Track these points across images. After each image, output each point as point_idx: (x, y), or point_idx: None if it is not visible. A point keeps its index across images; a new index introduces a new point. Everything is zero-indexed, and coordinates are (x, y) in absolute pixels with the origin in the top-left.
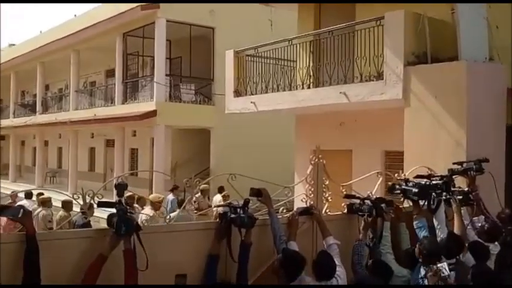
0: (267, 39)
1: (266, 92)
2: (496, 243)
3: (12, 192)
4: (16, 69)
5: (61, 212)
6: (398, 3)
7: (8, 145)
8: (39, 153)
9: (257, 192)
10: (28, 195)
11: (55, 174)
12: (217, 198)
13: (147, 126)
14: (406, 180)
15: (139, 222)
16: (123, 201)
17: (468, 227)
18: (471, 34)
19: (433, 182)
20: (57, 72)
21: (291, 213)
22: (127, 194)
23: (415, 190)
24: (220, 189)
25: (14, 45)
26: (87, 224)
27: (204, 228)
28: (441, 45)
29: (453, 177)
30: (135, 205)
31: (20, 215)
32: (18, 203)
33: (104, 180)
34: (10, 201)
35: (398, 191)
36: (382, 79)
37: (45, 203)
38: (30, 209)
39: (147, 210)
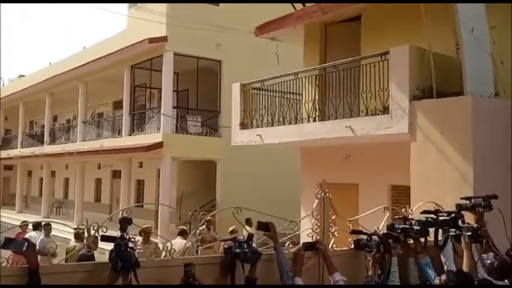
0: (273, 72)
1: (272, 125)
2: (506, 280)
3: (23, 222)
4: (25, 100)
5: (73, 243)
6: (404, 36)
7: (16, 175)
8: (46, 183)
9: (265, 227)
10: (36, 226)
11: (61, 204)
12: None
13: (153, 157)
14: (406, 219)
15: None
16: (125, 236)
17: (478, 264)
18: (476, 69)
19: (440, 218)
20: (65, 103)
21: (296, 248)
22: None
23: (416, 228)
24: (248, 221)
25: (23, 76)
26: (91, 257)
27: (209, 262)
28: (446, 80)
29: (461, 213)
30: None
31: (24, 249)
32: (27, 235)
33: (109, 211)
34: (20, 231)
35: (399, 230)
36: (388, 113)
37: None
38: (38, 241)
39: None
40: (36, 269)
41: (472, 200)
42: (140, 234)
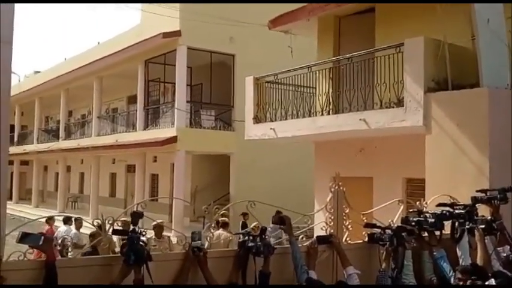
0: (286, 65)
1: (286, 119)
2: None
3: (49, 217)
4: (41, 96)
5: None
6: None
7: (32, 170)
8: (61, 178)
9: (280, 220)
10: (65, 220)
11: (77, 199)
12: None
13: (167, 152)
14: (420, 212)
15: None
16: (137, 229)
17: (492, 257)
18: (492, 60)
19: (456, 211)
20: (80, 99)
21: (310, 241)
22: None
23: (430, 220)
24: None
25: (39, 72)
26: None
27: (223, 256)
28: (462, 72)
29: (476, 205)
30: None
31: (40, 243)
32: (59, 230)
33: (124, 206)
34: (47, 227)
35: (413, 223)
36: (403, 106)
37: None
38: (72, 235)
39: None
40: (53, 262)
41: (488, 193)
42: (154, 230)
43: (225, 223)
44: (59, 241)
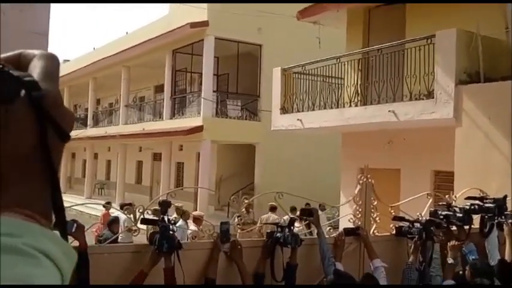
0: (314, 56)
1: (313, 110)
2: None
3: (108, 202)
4: (69, 84)
5: (193, 227)
6: (451, 19)
7: None
8: (89, 165)
9: (308, 213)
10: (122, 206)
11: (103, 186)
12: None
13: (193, 140)
14: (449, 205)
15: (187, 237)
16: (166, 218)
17: None
18: None
19: (485, 205)
20: (108, 88)
21: (337, 233)
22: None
23: (459, 215)
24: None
25: (68, 61)
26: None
27: (251, 246)
28: (494, 64)
29: (506, 200)
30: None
31: (73, 230)
32: (117, 214)
33: (150, 193)
34: (105, 211)
35: (441, 217)
36: (433, 98)
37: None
38: (123, 220)
39: (192, 227)
40: (85, 249)
41: None
42: (181, 216)
43: (274, 207)
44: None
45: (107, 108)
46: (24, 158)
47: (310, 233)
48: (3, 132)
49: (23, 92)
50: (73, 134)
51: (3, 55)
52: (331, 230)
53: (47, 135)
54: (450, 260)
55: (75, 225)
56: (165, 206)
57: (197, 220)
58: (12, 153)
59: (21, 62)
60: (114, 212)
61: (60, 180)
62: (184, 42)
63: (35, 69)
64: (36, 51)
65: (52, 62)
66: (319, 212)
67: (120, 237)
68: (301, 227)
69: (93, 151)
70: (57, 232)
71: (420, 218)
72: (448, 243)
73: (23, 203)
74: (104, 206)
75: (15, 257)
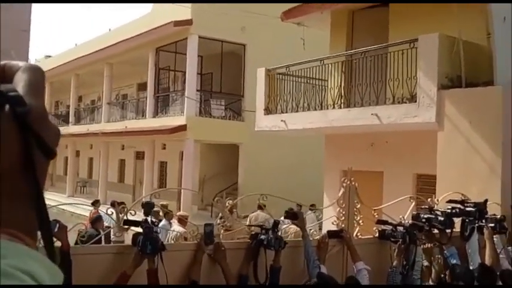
0: (298, 57)
1: (297, 111)
2: None
3: (96, 201)
4: (51, 80)
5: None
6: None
7: None
8: (70, 163)
9: (293, 215)
10: (112, 204)
11: (85, 184)
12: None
13: (176, 140)
14: (431, 209)
15: (170, 238)
16: (149, 220)
17: (501, 256)
18: (507, 59)
19: (466, 209)
20: (90, 84)
21: (321, 235)
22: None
23: (440, 218)
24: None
25: (50, 56)
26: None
27: (235, 247)
28: (476, 69)
29: (486, 204)
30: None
31: (55, 230)
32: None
33: (133, 192)
34: (94, 210)
35: (424, 220)
36: (415, 102)
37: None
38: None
39: (176, 227)
40: (68, 250)
41: None
42: (165, 216)
43: (261, 205)
44: (105, 224)
45: (89, 105)
46: (8, 175)
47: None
48: None
49: (7, 106)
50: None
51: None
52: (315, 232)
53: (32, 151)
54: (425, 263)
55: (57, 225)
56: (148, 207)
57: (182, 220)
58: None
59: (6, 73)
60: (103, 210)
61: None
62: (168, 41)
63: (20, 83)
64: (20, 63)
65: (37, 75)
66: (309, 212)
67: (112, 236)
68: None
69: (75, 149)
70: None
71: (403, 221)
72: (422, 245)
73: (7, 222)
74: (92, 204)
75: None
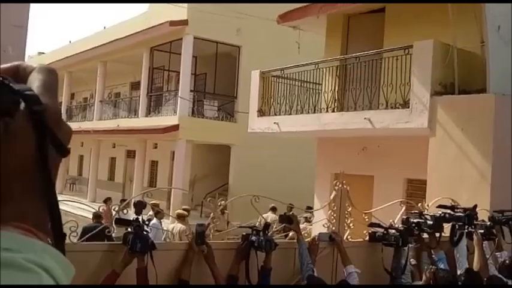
0: (292, 60)
1: (290, 114)
2: None
3: (108, 198)
4: None
5: (178, 224)
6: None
7: None
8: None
9: (287, 219)
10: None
11: (75, 181)
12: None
13: (168, 139)
14: (421, 213)
15: (175, 234)
16: (140, 219)
17: (489, 262)
18: (500, 67)
19: (456, 214)
20: (83, 82)
21: (311, 238)
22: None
23: (429, 222)
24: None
25: (43, 53)
26: (110, 238)
27: (225, 248)
28: (469, 77)
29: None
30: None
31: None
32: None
33: (123, 190)
34: (105, 207)
35: (413, 224)
36: (408, 107)
37: (182, 217)
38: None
39: (177, 224)
40: None
41: (505, 213)
42: (155, 215)
43: (274, 208)
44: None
45: (81, 103)
46: (23, 172)
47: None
48: (2, 145)
49: (23, 105)
50: None
51: (1, 66)
52: (305, 235)
53: (46, 149)
54: (413, 262)
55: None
56: (140, 206)
57: (181, 218)
58: (10, 166)
59: (20, 74)
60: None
61: None
62: (163, 40)
63: (35, 83)
64: (34, 65)
65: (51, 76)
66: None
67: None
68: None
69: None
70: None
71: (393, 225)
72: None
73: (20, 217)
74: (104, 202)
75: (16, 272)
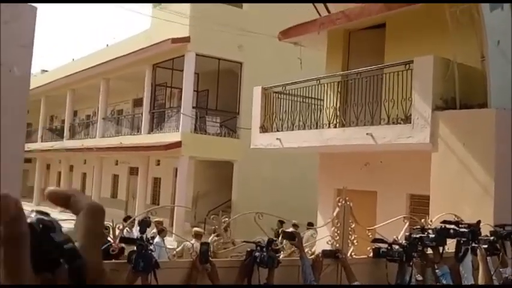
0: (294, 76)
1: (292, 130)
2: None
3: (127, 216)
4: (47, 95)
5: (197, 243)
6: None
7: (34, 168)
8: (63, 177)
9: (290, 236)
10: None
11: None
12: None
13: (171, 156)
14: (423, 228)
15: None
16: (144, 237)
17: (493, 278)
18: (501, 82)
19: (461, 230)
20: (86, 99)
21: (315, 255)
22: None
23: (432, 236)
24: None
25: (46, 71)
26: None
27: (229, 266)
28: (470, 92)
29: (480, 225)
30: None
31: None
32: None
33: (126, 208)
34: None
35: (416, 240)
36: (410, 122)
37: (199, 236)
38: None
39: (196, 243)
40: None
41: (506, 228)
42: (159, 233)
43: (296, 224)
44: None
45: (84, 120)
46: None
47: None
48: None
49: (62, 260)
50: (49, 145)
51: (57, 188)
52: (309, 252)
53: None
54: (419, 277)
55: None
56: (144, 225)
57: (198, 236)
58: None
59: (71, 206)
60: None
61: (34, 192)
62: (165, 57)
63: (80, 230)
64: (84, 201)
65: (97, 221)
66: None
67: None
68: None
69: (68, 163)
70: None
71: (397, 240)
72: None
73: None
74: (124, 220)
75: None
